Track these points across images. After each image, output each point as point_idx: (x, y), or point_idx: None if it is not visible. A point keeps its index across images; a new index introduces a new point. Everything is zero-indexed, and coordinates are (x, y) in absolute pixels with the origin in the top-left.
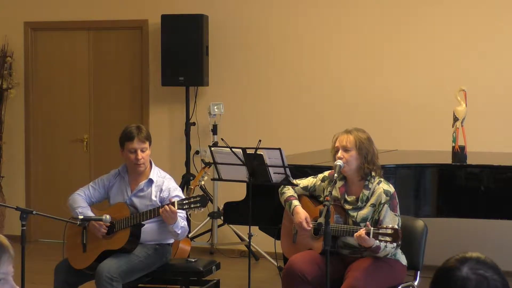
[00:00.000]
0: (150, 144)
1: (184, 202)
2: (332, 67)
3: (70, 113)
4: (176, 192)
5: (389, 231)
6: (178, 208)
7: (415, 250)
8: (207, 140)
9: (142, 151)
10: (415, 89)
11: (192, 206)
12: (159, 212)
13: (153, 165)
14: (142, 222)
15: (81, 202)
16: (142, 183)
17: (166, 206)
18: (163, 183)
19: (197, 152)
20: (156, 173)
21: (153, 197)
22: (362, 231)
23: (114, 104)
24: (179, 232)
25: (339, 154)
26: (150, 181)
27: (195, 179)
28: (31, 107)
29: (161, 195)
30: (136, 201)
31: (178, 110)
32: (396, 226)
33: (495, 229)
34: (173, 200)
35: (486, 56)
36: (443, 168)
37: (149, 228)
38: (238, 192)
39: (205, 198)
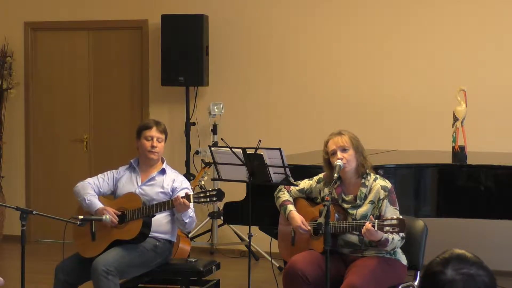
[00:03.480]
0: (165, 139)
1: (201, 195)
2: (332, 67)
3: (70, 113)
4: (187, 185)
5: (395, 221)
6: (194, 202)
7: (415, 250)
8: (207, 140)
9: (158, 141)
10: (415, 89)
11: (208, 200)
12: (173, 205)
13: (165, 162)
14: (154, 214)
15: (90, 190)
16: (155, 173)
17: (180, 199)
18: (177, 176)
19: (197, 152)
20: (169, 168)
21: (165, 185)
22: (368, 224)
23: (114, 104)
24: (186, 221)
25: (339, 155)
26: (163, 171)
27: (195, 179)
28: (31, 107)
29: (173, 184)
30: (146, 189)
31: (178, 110)
32: (400, 216)
33: (495, 229)
34: (189, 193)
35: (486, 56)
36: (443, 168)
37: (156, 220)
38: (238, 192)
39: (221, 192)
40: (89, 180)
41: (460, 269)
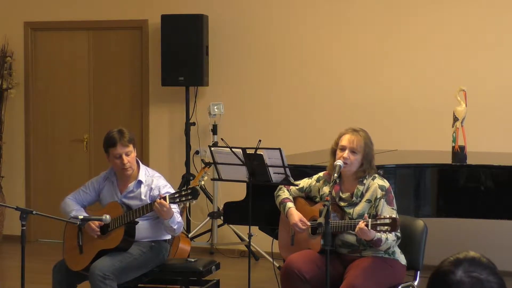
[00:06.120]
0: (134, 146)
1: (176, 196)
2: (332, 67)
3: (70, 113)
4: (166, 189)
5: (387, 221)
6: (170, 202)
7: (415, 250)
8: (207, 140)
9: (127, 154)
10: (415, 89)
11: (183, 199)
12: (152, 208)
13: (140, 165)
14: (136, 219)
15: (74, 205)
16: (131, 185)
17: (157, 200)
18: (152, 182)
19: (197, 152)
20: (144, 173)
21: (143, 197)
22: (361, 224)
23: (114, 104)
24: (175, 227)
25: (345, 154)
26: (139, 182)
27: (195, 179)
28: (31, 107)
29: (151, 193)
30: (126, 202)
31: (178, 110)
32: (394, 216)
33: (495, 229)
34: (163, 195)
35: (486, 56)
36: (443, 168)
37: (143, 225)
38: (238, 192)
39: (196, 190)
40: (71, 196)
41: (471, 272)
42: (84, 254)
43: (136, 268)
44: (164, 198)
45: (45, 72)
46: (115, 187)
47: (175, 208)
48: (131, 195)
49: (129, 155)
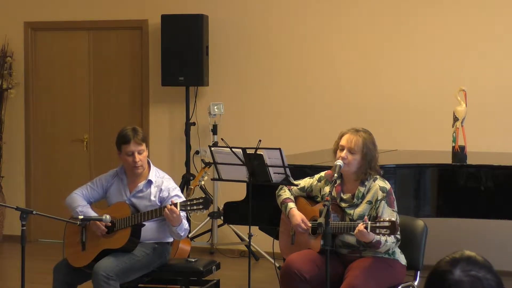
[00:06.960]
0: (147, 145)
1: (187, 203)
2: (332, 67)
3: (70, 113)
4: (175, 191)
5: (386, 224)
6: (181, 210)
7: (415, 250)
8: (207, 140)
9: (139, 153)
10: (415, 89)
11: (195, 207)
12: (161, 213)
13: (151, 165)
14: (143, 222)
15: (81, 201)
16: (141, 184)
17: (168, 206)
18: (162, 183)
19: (197, 152)
20: (155, 174)
21: (152, 197)
22: (361, 226)
23: (114, 104)
24: (182, 234)
25: (343, 154)
26: (149, 182)
27: (195, 179)
28: (31, 107)
29: (160, 195)
30: (135, 201)
31: (178, 110)
32: (393, 219)
33: (495, 229)
34: (175, 201)
35: (486, 56)
36: (443, 168)
37: (148, 226)
38: (238, 192)
39: (207, 200)
40: (78, 191)
41: (469, 271)
42: (87, 252)
43: (139, 269)
44: (175, 205)
45: (45, 72)
46: (125, 185)
47: (182, 213)
48: (140, 194)
49: (142, 153)
